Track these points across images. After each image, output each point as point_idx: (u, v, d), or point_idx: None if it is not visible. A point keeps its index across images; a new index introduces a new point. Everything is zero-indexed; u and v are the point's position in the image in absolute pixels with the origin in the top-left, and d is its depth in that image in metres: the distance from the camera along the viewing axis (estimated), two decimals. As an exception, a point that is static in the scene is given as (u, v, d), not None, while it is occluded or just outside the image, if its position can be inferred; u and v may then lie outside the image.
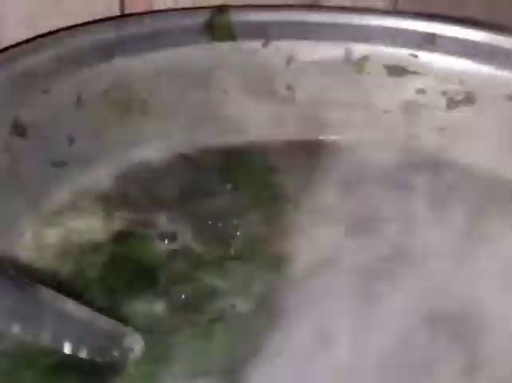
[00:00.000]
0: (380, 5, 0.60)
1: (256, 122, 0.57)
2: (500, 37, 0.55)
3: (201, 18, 0.55)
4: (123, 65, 0.50)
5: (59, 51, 0.48)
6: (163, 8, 0.57)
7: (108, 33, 0.50)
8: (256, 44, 0.56)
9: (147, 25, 0.53)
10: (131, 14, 0.56)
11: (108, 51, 0.50)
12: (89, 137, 0.49)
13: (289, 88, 0.58)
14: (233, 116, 0.57)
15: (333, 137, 0.58)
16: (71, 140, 0.49)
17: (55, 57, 0.48)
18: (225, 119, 0.56)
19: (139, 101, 0.52)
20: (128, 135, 0.51)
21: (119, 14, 0.56)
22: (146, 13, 0.56)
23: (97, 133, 0.50)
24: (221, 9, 0.55)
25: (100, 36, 0.50)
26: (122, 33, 0.51)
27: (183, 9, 0.57)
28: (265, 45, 0.56)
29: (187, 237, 0.46)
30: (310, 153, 0.56)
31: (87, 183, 0.49)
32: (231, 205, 0.49)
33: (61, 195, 0.48)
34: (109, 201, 0.47)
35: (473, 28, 0.55)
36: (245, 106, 0.57)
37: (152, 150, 0.52)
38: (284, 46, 0.57)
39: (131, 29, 0.52)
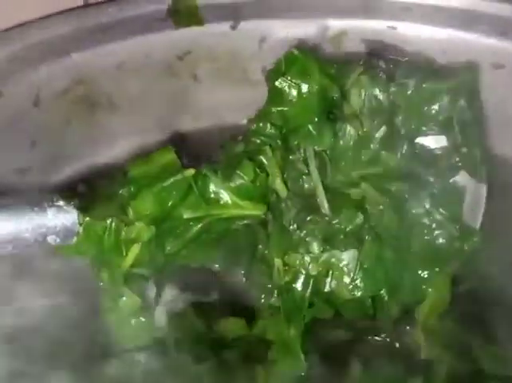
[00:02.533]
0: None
1: (231, 109, 0.54)
2: (483, 2, 0.51)
3: (165, 4, 0.51)
4: (82, 60, 0.48)
5: (11, 50, 0.45)
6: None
7: (65, 27, 0.48)
8: (225, 26, 0.53)
9: (108, 15, 0.50)
10: (93, 4, 0.53)
11: (65, 46, 0.47)
12: (52, 139, 0.47)
13: (264, 71, 0.55)
14: (206, 104, 0.54)
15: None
16: (33, 144, 0.47)
17: (7, 56, 0.45)
18: (198, 108, 0.53)
19: (103, 97, 0.49)
20: (94, 134, 0.49)
21: (82, 5, 0.53)
22: (108, 1, 0.53)
23: (61, 134, 0.47)
24: (185, -9, 0.52)
25: (56, 30, 0.47)
26: (80, 26, 0.48)
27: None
28: (234, 26, 0.53)
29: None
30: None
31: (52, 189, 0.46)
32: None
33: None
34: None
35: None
36: (218, 93, 0.54)
37: (122, 147, 0.49)
38: (255, 26, 0.53)
39: (90, 20, 0.49)
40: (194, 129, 0.53)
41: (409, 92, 0.43)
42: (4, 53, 0.45)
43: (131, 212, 0.38)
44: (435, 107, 0.43)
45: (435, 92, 0.44)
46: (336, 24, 0.54)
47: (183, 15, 0.52)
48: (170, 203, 0.39)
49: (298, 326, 0.40)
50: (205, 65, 0.53)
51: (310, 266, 0.40)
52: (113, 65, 0.50)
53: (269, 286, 0.41)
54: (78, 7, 0.49)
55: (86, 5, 0.52)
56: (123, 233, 0.38)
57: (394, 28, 0.54)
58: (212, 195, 0.40)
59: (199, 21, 0.52)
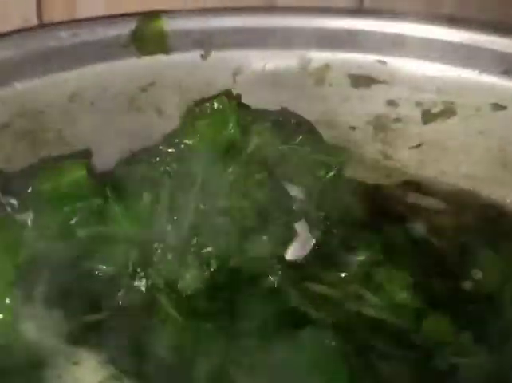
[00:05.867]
0: (342, 4, 0.51)
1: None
2: (483, 36, 0.46)
3: (126, 28, 0.46)
4: (27, 89, 0.41)
5: None
6: (86, 15, 0.48)
7: (8, 51, 0.41)
8: (195, 55, 0.47)
9: (60, 39, 0.44)
10: (45, 26, 0.47)
11: (7, 73, 0.40)
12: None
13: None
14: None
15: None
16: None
17: None
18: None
19: (51, 133, 0.43)
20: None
21: (30, 26, 0.47)
22: (64, 22, 0.47)
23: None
24: (150, 15, 0.46)
25: (-2, 54, 0.41)
26: (26, 50, 0.42)
27: (106, 17, 0.47)
28: (205, 56, 0.47)
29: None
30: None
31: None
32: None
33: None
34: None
35: (450, 27, 0.47)
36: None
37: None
38: (229, 57, 0.48)
39: (39, 44, 0.43)
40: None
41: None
42: None
43: None
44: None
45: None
46: (319, 56, 0.49)
47: (147, 42, 0.46)
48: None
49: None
50: (172, 98, 0.47)
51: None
52: (64, 96, 0.43)
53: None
54: (24, 29, 0.43)
55: (35, 27, 0.46)
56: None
57: (383, 62, 0.48)
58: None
59: (166, 49, 0.47)
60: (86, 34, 0.45)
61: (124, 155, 0.46)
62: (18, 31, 0.43)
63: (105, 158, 0.45)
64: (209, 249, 0.40)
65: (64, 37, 0.44)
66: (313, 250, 0.42)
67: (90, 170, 0.40)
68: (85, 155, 0.44)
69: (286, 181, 0.43)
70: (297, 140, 0.44)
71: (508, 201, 0.49)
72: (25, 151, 0.42)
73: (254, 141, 0.43)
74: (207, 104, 0.43)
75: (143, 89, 0.47)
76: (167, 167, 0.41)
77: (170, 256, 0.40)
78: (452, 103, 0.48)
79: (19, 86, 0.41)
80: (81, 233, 0.39)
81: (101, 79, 0.45)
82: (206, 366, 0.36)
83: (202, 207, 0.40)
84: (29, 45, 0.42)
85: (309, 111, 0.49)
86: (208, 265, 0.40)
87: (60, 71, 0.43)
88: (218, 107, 0.43)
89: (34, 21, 0.48)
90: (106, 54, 0.45)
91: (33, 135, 0.42)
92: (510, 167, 0.48)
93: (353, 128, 0.50)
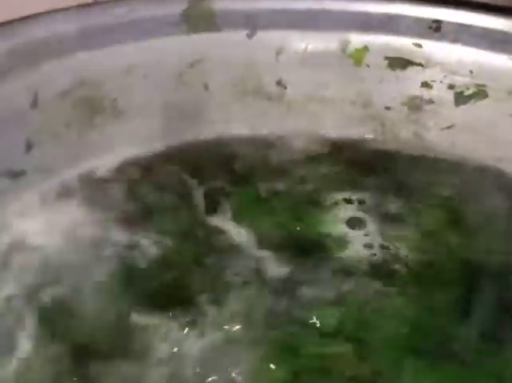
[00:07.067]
0: (380, -11, 0.53)
1: (242, 122, 0.51)
2: (515, 22, 0.48)
3: (179, 7, 0.49)
4: (87, 60, 0.44)
5: (11, 44, 0.42)
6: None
7: (70, 24, 0.44)
8: (241, 35, 0.50)
9: (118, 15, 0.47)
10: (103, 2, 0.50)
11: (69, 44, 0.44)
12: (50, 142, 0.43)
13: (278, 83, 0.52)
14: (217, 116, 0.51)
15: (331, 137, 0.52)
16: (28, 147, 0.43)
17: (7, 51, 0.42)
18: (207, 119, 0.50)
19: (107, 101, 0.46)
20: (96, 139, 0.46)
21: (91, 2, 0.50)
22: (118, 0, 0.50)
23: (59, 138, 0.44)
24: (201, -5, 0.49)
25: (60, 26, 0.44)
26: (87, 24, 0.45)
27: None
28: (250, 35, 0.50)
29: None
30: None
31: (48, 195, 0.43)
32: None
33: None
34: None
35: (484, 13, 0.49)
36: (230, 105, 0.51)
37: (122, 156, 0.46)
38: (272, 37, 0.51)
39: (97, 18, 0.46)
40: (200, 141, 0.49)
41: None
42: (3, 48, 0.42)
43: None
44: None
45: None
46: (358, 39, 0.51)
47: (197, 20, 0.49)
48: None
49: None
50: (218, 75, 0.50)
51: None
52: (121, 68, 0.47)
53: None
54: (87, 4, 0.46)
55: (95, 3, 0.49)
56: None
57: (419, 45, 0.51)
58: None
59: (214, 28, 0.50)
60: (142, 11, 0.48)
61: (173, 124, 0.49)
62: (80, 6, 0.46)
63: (154, 127, 0.48)
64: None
65: (122, 12, 0.47)
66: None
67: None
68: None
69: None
70: None
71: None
72: (82, 117, 0.45)
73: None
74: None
75: (192, 65, 0.50)
76: None
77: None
78: (484, 86, 0.50)
79: (81, 56, 0.44)
80: None
81: (154, 54, 0.48)
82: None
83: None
84: (90, 18, 0.45)
85: (346, 91, 0.52)
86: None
87: (118, 44, 0.46)
88: None
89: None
90: (159, 31, 0.48)
91: (90, 103, 0.46)
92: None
93: (388, 108, 0.52)
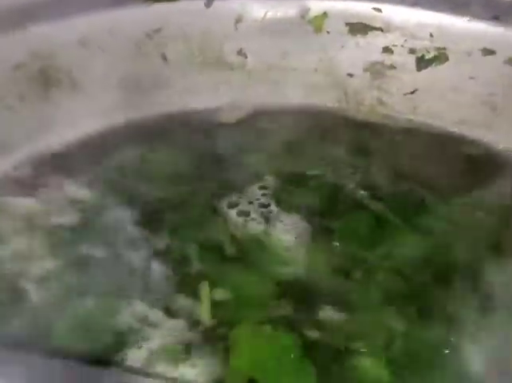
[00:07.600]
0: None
1: (202, 93, 0.51)
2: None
3: (133, -24, 0.48)
4: (39, 33, 0.44)
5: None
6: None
7: (21, -4, 0.43)
8: (199, 4, 0.49)
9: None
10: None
11: (21, 17, 0.43)
12: (4, 116, 0.43)
13: (239, 53, 0.51)
14: (176, 87, 0.50)
15: (294, 104, 0.52)
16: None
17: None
18: (166, 91, 0.50)
19: (63, 74, 0.45)
20: (50, 113, 0.45)
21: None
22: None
23: (12, 113, 0.43)
24: (156, -36, 0.48)
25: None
26: (38, -4, 0.44)
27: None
28: (208, 4, 0.49)
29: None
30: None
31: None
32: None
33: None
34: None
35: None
36: (189, 75, 0.50)
37: (80, 130, 0.45)
38: (231, 5, 0.50)
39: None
40: (160, 113, 0.49)
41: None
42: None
43: None
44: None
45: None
46: (317, 5, 0.51)
47: (153, -11, 0.48)
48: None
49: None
50: (176, 45, 0.50)
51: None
52: (75, 40, 0.46)
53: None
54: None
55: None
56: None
57: (379, 10, 0.50)
58: None
59: (171, -3, 0.49)
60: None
61: (132, 97, 0.48)
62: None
63: (112, 99, 0.48)
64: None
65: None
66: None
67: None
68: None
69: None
70: None
71: (500, 146, 0.50)
72: (37, 90, 0.45)
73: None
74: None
75: (149, 36, 0.49)
76: None
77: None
78: (445, 49, 0.50)
79: (32, 29, 0.43)
80: None
81: (109, 24, 0.47)
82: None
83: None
84: (40, -10, 0.44)
85: (308, 58, 0.52)
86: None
87: (70, 15, 0.45)
88: None
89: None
90: (114, 0, 0.47)
91: (45, 75, 0.45)
92: (498, 111, 0.49)
93: (351, 75, 0.52)
